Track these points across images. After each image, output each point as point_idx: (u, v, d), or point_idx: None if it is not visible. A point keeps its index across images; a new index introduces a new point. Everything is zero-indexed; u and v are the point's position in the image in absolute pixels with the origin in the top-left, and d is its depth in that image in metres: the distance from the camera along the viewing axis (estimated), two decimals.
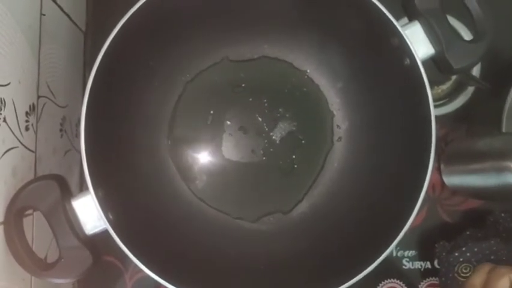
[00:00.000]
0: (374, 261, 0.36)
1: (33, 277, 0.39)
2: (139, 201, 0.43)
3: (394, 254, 0.52)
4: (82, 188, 0.52)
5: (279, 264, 0.43)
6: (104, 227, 0.36)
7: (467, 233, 0.47)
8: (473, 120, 0.53)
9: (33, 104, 0.40)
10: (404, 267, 0.52)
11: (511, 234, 0.46)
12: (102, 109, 0.38)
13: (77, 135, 0.51)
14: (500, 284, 0.30)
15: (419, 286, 0.52)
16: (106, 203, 0.36)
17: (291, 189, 0.48)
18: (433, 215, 0.52)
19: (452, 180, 0.51)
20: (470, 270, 0.41)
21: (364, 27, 0.41)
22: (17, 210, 0.35)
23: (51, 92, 0.44)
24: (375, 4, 0.38)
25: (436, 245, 0.48)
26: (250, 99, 0.49)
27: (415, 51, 0.38)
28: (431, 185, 0.52)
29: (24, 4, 0.38)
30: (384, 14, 0.38)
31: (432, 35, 0.38)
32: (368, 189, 0.45)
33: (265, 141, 0.49)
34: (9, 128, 0.36)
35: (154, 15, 0.39)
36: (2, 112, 0.35)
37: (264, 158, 0.49)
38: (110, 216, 0.36)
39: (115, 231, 0.36)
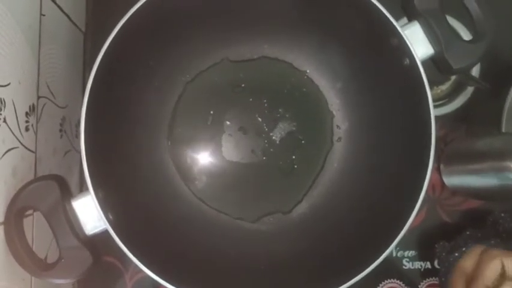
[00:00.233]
0: (374, 262, 0.36)
1: (33, 277, 0.39)
2: (139, 202, 0.43)
3: (394, 254, 0.52)
4: (82, 189, 0.52)
5: (279, 264, 0.43)
6: (104, 227, 0.36)
7: (467, 233, 0.47)
8: (472, 120, 0.53)
9: (33, 105, 0.40)
10: (404, 267, 0.52)
11: (511, 234, 0.46)
12: (102, 109, 0.38)
13: (77, 136, 0.51)
14: (491, 266, 0.29)
15: (419, 286, 0.52)
16: (106, 204, 0.36)
17: (291, 189, 0.48)
18: (433, 215, 0.52)
19: (452, 180, 0.51)
20: None
21: (364, 27, 0.41)
22: (17, 211, 0.35)
23: (51, 93, 0.44)
24: (374, 4, 0.38)
25: (436, 245, 0.48)
26: (250, 100, 0.49)
27: (415, 51, 0.38)
28: (431, 185, 0.52)
29: (24, 4, 0.38)
30: (384, 14, 0.38)
31: (432, 35, 0.38)
32: (367, 190, 0.45)
33: (265, 141, 0.49)
34: (9, 128, 0.36)
35: (154, 15, 0.39)
36: (2, 112, 0.35)
37: (263, 159, 0.49)
38: (110, 217, 0.36)
39: (115, 232, 0.36)
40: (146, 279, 0.51)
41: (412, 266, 0.52)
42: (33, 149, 0.41)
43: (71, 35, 0.50)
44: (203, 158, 0.49)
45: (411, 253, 0.52)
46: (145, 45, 0.42)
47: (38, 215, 0.39)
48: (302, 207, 0.48)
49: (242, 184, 0.48)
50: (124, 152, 0.43)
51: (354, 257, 0.39)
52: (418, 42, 0.38)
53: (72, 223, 0.36)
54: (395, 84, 0.42)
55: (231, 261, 0.44)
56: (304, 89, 0.49)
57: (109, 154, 0.40)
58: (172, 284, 0.36)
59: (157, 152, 0.48)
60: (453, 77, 0.53)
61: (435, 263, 0.51)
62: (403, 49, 0.38)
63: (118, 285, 0.51)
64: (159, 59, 0.46)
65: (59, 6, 0.46)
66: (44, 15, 0.42)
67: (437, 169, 0.52)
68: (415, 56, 0.38)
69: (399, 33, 0.38)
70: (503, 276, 0.30)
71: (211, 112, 0.49)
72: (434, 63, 0.40)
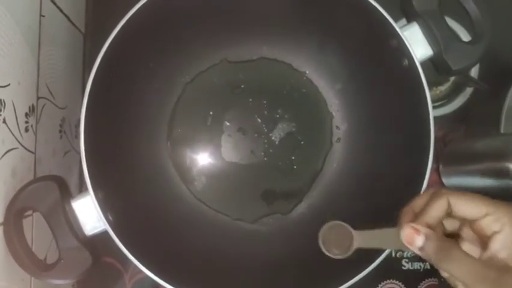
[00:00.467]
0: (373, 262, 0.37)
1: (32, 278, 0.39)
2: (138, 202, 0.43)
3: (393, 255, 0.52)
4: (82, 189, 0.52)
5: (278, 264, 0.43)
6: (103, 227, 0.36)
7: None
8: (471, 121, 0.53)
9: (32, 105, 0.40)
10: (403, 267, 0.52)
11: None
12: (101, 110, 0.38)
13: (77, 136, 0.51)
14: (437, 204, 0.29)
15: (419, 287, 0.52)
16: (106, 204, 0.36)
17: (290, 190, 0.48)
18: None
19: (451, 180, 0.51)
20: None
21: (363, 28, 0.41)
22: (16, 211, 0.35)
23: (51, 93, 0.44)
24: (374, 6, 0.38)
25: None
26: (250, 100, 0.49)
27: (414, 52, 0.38)
28: (430, 186, 0.52)
29: (23, 5, 0.38)
30: (383, 15, 0.38)
31: (431, 36, 0.38)
32: (366, 190, 0.45)
33: (265, 142, 0.49)
34: (9, 129, 0.36)
35: (154, 16, 0.39)
36: (1, 113, 0.35)
37: (263, 159, 0.49)
38: (110, 217, 0.36)
39: (115, 232, 0.36)
40: (146, 280, 0.51)
41: (411, 266, 0.52)
42: (32, 149, 0.41)
43: (71, 35, 0.50)
44: (202, 158, 0.49)
45: (410, 253, 0.52)
46: (145, 46, 0.42)
47: (37, 215, 0.39)
48: (301, 208, 0.48)
49: (241, 185, 0.49)
50: (123, 152, 0.43)
51: (353, 257, 0.39)
52: (417, 43, 0.39)
53: (71, 224, 0.36)
54: (394, 85, 0.42)
55: (230, 261, 0.44)
56: (303, 90, 0.49)
57: (109, 155, 0.40)
58: (172, 284, 0.36)
59: (157, 153, 0.48)
60: (452, 78, 0.53)
61: None
62: (402, 50, 0.38)
63: (118, 285, 0.51)
64: (159, 60, 0.46)
65: (58, 7, 0.46)
66: (43, 16, 0.42)
67: (436, 170, 0.52)
68: (414, 57, 0.38)
69: (398, 34, 0.38)
70: (450, 215, 0.30)
71: (211, 113, 0.49)
72: (433, 64, 0.40)
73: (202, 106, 0.49)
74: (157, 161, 0.47)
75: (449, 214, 0.30)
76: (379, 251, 0.37)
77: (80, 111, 0.36)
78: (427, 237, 0.29)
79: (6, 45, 0.35)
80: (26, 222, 0.38)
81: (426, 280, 0.52)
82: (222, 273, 0.42)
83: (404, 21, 0.41)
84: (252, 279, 0.41)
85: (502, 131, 0.46)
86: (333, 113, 0.49)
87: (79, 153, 0.36)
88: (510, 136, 0.45)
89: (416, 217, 0.31)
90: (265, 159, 0.49)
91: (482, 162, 0.45)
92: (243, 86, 0.49)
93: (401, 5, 0.40)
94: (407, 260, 0.52)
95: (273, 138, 0.49)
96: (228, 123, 0.49)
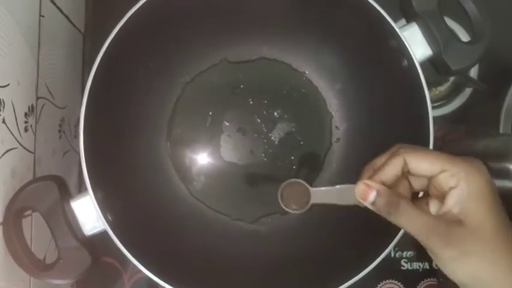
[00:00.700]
0: (372, 262, 0.37)
1: (32, 278, 0.39)
2: (138, 202, 0.43)
3: (392, 255, 0.52)
4: (81, 189, 0.52)
5: (278, 264, 0.43)
6: (103, 227, 0.36)
7: None
8: (471, 121, 0.53)
9: (32, 105, 0.40)
10: (402, 267, 0.52)
11: None
12: (101, 110, 0.38)
13: (76, 136, 0.51)
14: (392, 162, 0.30)
15: (418, 287, 0.52)
16: (105, 204, 0.36)
17: None
18: None
19: None
20: None
21: (362, 28, 0.41)
22: (16, 211, 0.35)
23: (50, 93, 0.44)
24: (373, 6, 0.38)
25: None
26: (249, 101, 0.49)
27: (413, 52, 0.38)
28: None
29: (23, 5, 0.38)
30: (383, 15, 0.38)
31: (430, 37, 0.38)
32: None
33: (264, 142, 0.49)
34: (8, 129, 0.36)
35: (154, 16, 0.39)
36: (1, 113, 0.35)
37: (262, 159, 0.49)
38: (109, 217, 0.36)
39: (114, 232, 0.36)
40: (145, 280, 0.51)
41: (411, 266, 0.52)
42: (32, 149, 0.41)
43: (71, 35, 0.50)
44: (202, 158, 0.49)
45: (409, 253, 0.52)
46: (145, 46, 0.42)
47: (36, 215, 0.39)
48: None
49: (241, 185, 0.49)
50: (122, 152, 0.43)
51: (352, 257, 0.39)
52: (416, 44, 0.39)
53: (71, 223, 0.36)
54: (393, 85, 0.42)
55: (230, 261, 0.44)
56: (303, 90, 0.49)
57: (108, 155, 0.40)
58: (171, 284, 0.36)
59: (156, 153, 0.48)
60: (451, 78, 0.53)
61: (434, 263, 0.51)
62: (402, 50, 0.38)
63: (117, 285, 0.51)
64: (159, 60, 0.46)
65: (58, 7, 0.46)
66: (43, 16, 0.42)
67: None
68: (413, 57, 0.38)
69: (397, 34, 0.38)
70: (407, 173, 0.31)
71: (210, 113, 0.49)
72: (433, 65, 0.40)
73: (201, 106, 0.49)
74: (156, 160, 0.47)
75: (409, 172, 0.31)
76: (379, 252, 0.37)
77: (79, 111, 0.36)
78: (378, 193, 0.30)
79: (6, 45, 0.35)
80: (26, 222, 0.38)
81: (425, 280, 0.52)
82: (222, 273, 0.42)
83: (403, 21, 0.41)
84: (251, 279, 0.41)
85: (501, 131, 0.46)
86: (333, 113, 0.49)
87: (78, 153, 0.36)
88: (509, 136, 0.45)
89: (374, 174, 0.31)
90: (265, 159, 0.49)
91: None
92: (242, 86, 0.49)
93: (401, 5, 0.40)
94: (406, 260, 0.52)
95: (272, 138, 0.49)
96: (227, 123, 0.49)
